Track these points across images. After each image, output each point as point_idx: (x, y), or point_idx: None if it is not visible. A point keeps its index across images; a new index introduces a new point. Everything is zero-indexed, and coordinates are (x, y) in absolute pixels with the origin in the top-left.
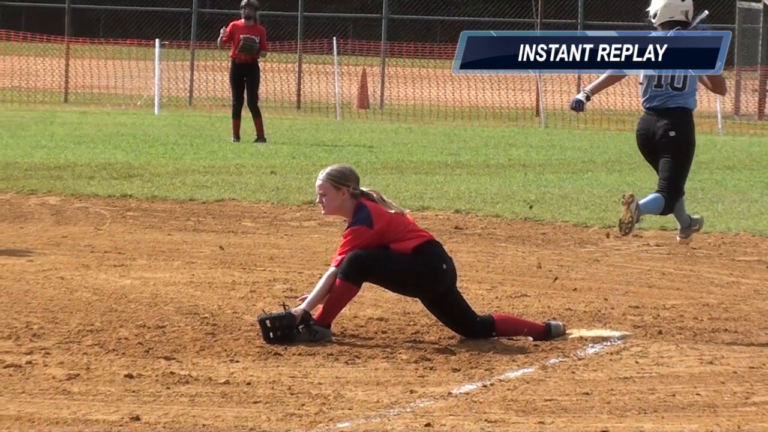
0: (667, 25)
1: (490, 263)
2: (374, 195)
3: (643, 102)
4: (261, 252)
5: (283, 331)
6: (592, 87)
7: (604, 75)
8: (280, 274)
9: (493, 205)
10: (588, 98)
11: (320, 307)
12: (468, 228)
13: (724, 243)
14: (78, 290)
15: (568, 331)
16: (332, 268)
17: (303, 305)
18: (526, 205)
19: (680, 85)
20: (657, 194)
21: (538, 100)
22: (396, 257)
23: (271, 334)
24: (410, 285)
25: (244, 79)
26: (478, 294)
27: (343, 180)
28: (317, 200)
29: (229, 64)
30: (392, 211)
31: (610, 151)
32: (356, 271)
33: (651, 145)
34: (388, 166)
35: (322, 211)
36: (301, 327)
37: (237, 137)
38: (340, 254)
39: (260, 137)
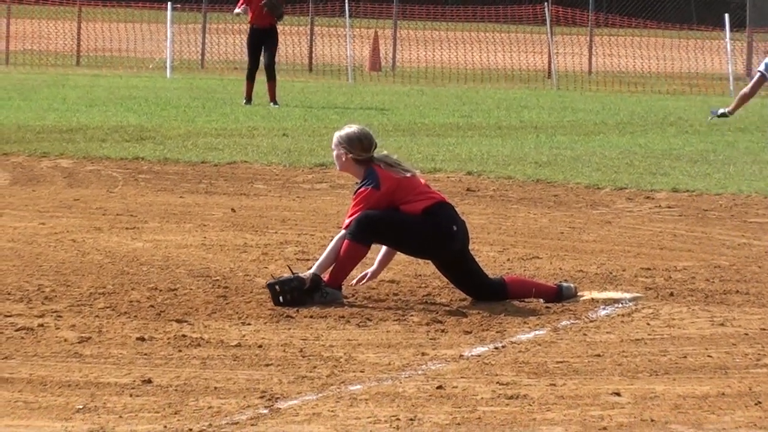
0: None
1: (501, 225)
2: (382, 163)
3: None
4: (273, 214)
5: (293, 294)
6: (732, 107)
7: (741, 93)
8: (291, 237)
9: (505, 167)
10: (726, 115)
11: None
12: (480, 190)
13: (736, 204)
14: (90, 253)
15: (579, 293)
16: (342, 231)
17: (313, 269)
18: (538, 167)
19: None
20: None
21: (550, 63)
22: (405, 218)
23: (280, 298)
24: (419, 246)
25: (262, 44)
26: (490, 256)
27: (348, 146)
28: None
29: (247, 29)
30: (405, 175)
31: (621, 113)
32: (364, 231)
33: None
34: (400, 128)
35: (337, 168)
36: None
37: (249, 100)
38: (349, 216)
39: (272, 100)
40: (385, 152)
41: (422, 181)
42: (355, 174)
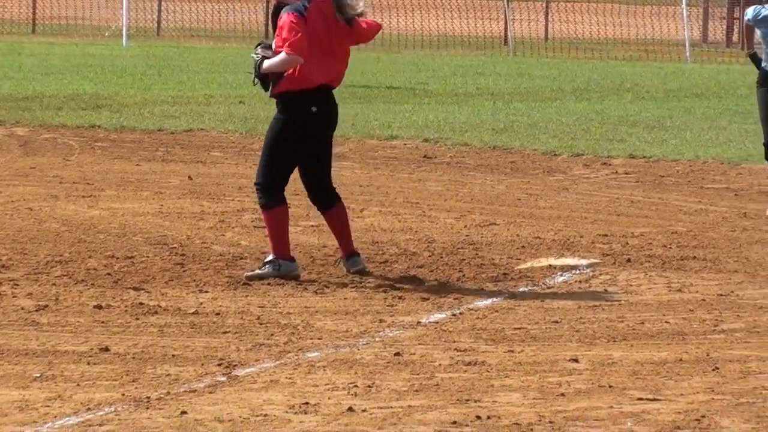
0: None
1: (458, 192)
2: None
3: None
4: (230, 182)
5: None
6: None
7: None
8: (248, 204)
9: (461, 133)
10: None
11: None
12: (437, 157)
13: (693, 170)
14: (46, 221)
15: (536, 260)
16: (283, 53)
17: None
18: (494, 134)
19: None
20: None
21: (506, 29)
22: (274, 149)
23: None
24: (293, 144)
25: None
26: (447, 223)
27: None
28: None
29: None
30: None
31: (578, 80)
32: (267, 195)
33: None
34: (356, 95)
35: None
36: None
37: None
38: (283, 42)
39: None
40: None
41: (341, 47)
42: None
